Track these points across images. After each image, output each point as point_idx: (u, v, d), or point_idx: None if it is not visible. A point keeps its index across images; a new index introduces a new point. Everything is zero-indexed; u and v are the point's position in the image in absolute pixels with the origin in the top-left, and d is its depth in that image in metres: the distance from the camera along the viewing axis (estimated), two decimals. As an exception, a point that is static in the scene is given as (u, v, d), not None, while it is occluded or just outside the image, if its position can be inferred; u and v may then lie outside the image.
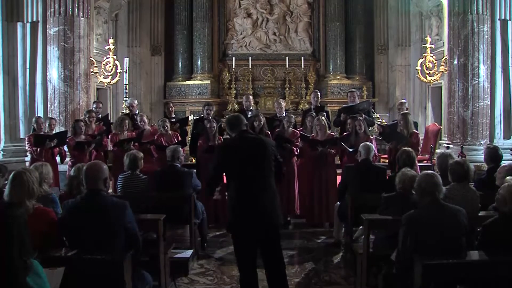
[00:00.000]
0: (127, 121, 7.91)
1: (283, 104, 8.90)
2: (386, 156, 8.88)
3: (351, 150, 7.09)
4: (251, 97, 9.49)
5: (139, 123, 8.17)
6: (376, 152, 7.42)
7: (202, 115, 8.90)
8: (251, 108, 9.14)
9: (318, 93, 9.43)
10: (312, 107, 9.17)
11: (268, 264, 4.15)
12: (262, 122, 7.67)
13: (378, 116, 11.04)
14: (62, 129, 8.51)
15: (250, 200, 4.08)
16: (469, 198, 4.45)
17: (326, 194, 7.36)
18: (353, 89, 9.67)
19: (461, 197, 4.34)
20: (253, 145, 4.21)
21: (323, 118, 7.67)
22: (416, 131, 7.68)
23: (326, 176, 7.41)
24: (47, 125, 8.08)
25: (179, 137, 8.10)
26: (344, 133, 7.88)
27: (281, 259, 4.21)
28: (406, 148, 5.70)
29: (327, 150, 7.31)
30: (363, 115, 7.98)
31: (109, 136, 7.89)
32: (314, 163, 7.43)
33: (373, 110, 11.82)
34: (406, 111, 8.11)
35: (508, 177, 4.47)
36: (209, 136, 7.68)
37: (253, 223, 4.07)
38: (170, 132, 8.01)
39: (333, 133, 7.83)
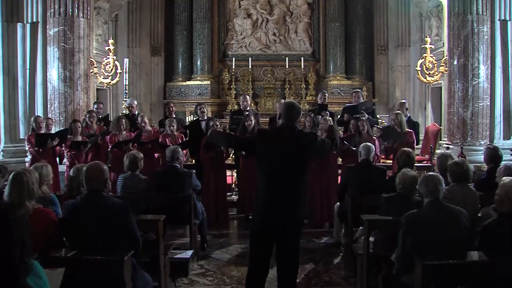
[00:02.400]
0: (123, 120, 7.90)
1: None
2: (383, 156, 8.88)
3: (354, 148, 7.09)
4: (248, 97, 9.49)
5: (139, 124, 8.18)
6: (378, 152, 7.44)
7: (198, 117, 8.89)
8: (248, 108, 9.15)
9: (326, 94, 9.42)
10: (318, 104, 9.14)
11: (280, 265, 4.09)
12: (253, 122, 7.70)
13: (378, 117, 11.04)
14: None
15: (275, 195, 3.98)
16: (469, 199, 4.45)
17: (328, 195, 7.35)
18: (358, 90, 9.67)
19: (461, 198, 4.34)
20: (292, 142, 4.04)
21: (329, 118, 7.69)
22: (410, 130, 7.70)
23: (328, 176, 7.40)
24: (44, 125, 8.07)
25: (184, 138, 8.11)
26: (346, 134, 7.89)
27: (292, 262, 4.10)
28: (406, 149, 5.71)
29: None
30: (366, 115, 7.99)
31: (108, 137, 7.89)
32: (317, 163, 7.42)
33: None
34: (398, 111, 8.12)
35: (504, 178, 4.47)
36: None
37: (274, 219, 3.99)
38: (175, 133, 8.03)
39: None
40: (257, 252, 4.10)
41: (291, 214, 4.01)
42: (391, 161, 7.89)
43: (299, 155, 4.02)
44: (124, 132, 7.80)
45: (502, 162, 5.67)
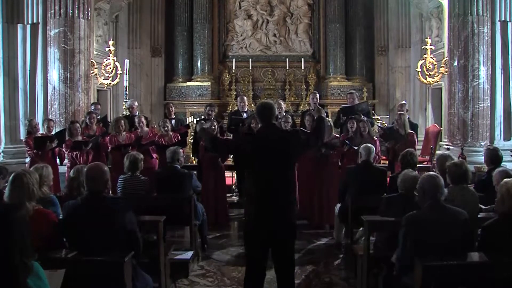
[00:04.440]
0: (122, 121, 7.90)
1: (284, 105, 8.90)
2: (384, 157, 8.88)
3: (356, 148, 7.09)
4: (245, 98, 9.53)
5: (137, 124, 8.18)
6: (379, 153, 7.45)
7: (203, 116, 8.93)
8: (246, 109, 9.17)
9: (317, 94, 9.42)
10: (311, 108, 9.17)
11: (278, 265, 4.10)
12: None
13: (378, 118, 11.05)
14: (62, 131, 8.51)
15: (266, 196, 3.99)
16: (468, 200, 4.44)
17: (327, 196, 7.34)
18: (353, 91, 9.69)
19: (461, 199, 4.34)
20: (277, 141, 4.07)
21: (329, 119, 7.69)
22: (412, 131, 7.69)
23: (328, 177, 7.39)
24: (45, 126, 8.08)
25: (180, 138, 8.11)
26: (344, 134, 7.88)
27: (291, 260, 4.13)
28: (410, 149, 5.71)
29: (329, 152, 7.30)
30: (362, 116, 7.99)
31: (108, 138, 7.89)
32: (315, 164, 7.42)
33: (373, 111, 11.87)
34: (402, 112, 8.13)
35: (505, 179, 4.46)
36: None
37: (267, 218, 3.99)
38: (170, 133, 8.03)
39: (337, 135, 7.80)
40: (253, 254, 4.11)
41: (284, 214, 4.02)
42: (387, 161, 7.91)
43: (286, 153, 4.05)
44: (124, 133, 7.81)
45: (502, 163, 5.67)
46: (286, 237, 4.06)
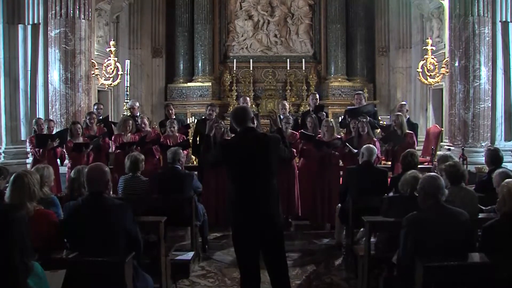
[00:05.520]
0: (130, 121, 7.93)
1: (287, 105, 8.88)
2: (383, 158, 8.86)
3: (356, 151, 7.08)
4: (248, 98, 9.52)
5: (140, 125, 8.19)
6: (379, 154, 7.44)
7: (204, 117, 8.92)
8: None
9: (317, 95, 9.41)
10: (310, 109, 9.16)
11: (270, 267, 4.06)
12: (255, 124, 7.67)
13: (380, 118, 11.03)
14: (63, 131, 8.53)
15: (250, 202, 3.95)
16: (468, 200, 4.44)
17: (329, 196, 7.34)
18: (360, 91, 9.64)
19: (460, 199, 4.33)
20: (256, 145, 4.02)
21: (331, 120, 7.69)
22: (411, 132, 7.67)
23: (329, 177, 7.39)
24: (46, 127, 8.11)
25: (185, 139, 8.13)
26: (345, 134, 7.88)
27: (283, 261, 4.10)
28: (410, 150, 5.71)
29: (331, 151, 7.30)
30: (368, 118, 7.99)
31: (112, 137, 7.91)
32: (318, 164, 7.42)
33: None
34: (399, 113, 8.09)
35: (506, 180, 4.46)
36: (216, 136, 7.68)
37: (254, 225, 3.95)
38: (176, 134, 8.05)
39: (339, 136, 7.80)
40: (243, 259, 4.06)
41: (268, 218, 3.98)
42: (389, 163, 7.89)
43: (266, 156, 4.01)
44: (129, 134, 7.82)
45: (503, 164, 5.67)
46: (273, 239, 4.03)
